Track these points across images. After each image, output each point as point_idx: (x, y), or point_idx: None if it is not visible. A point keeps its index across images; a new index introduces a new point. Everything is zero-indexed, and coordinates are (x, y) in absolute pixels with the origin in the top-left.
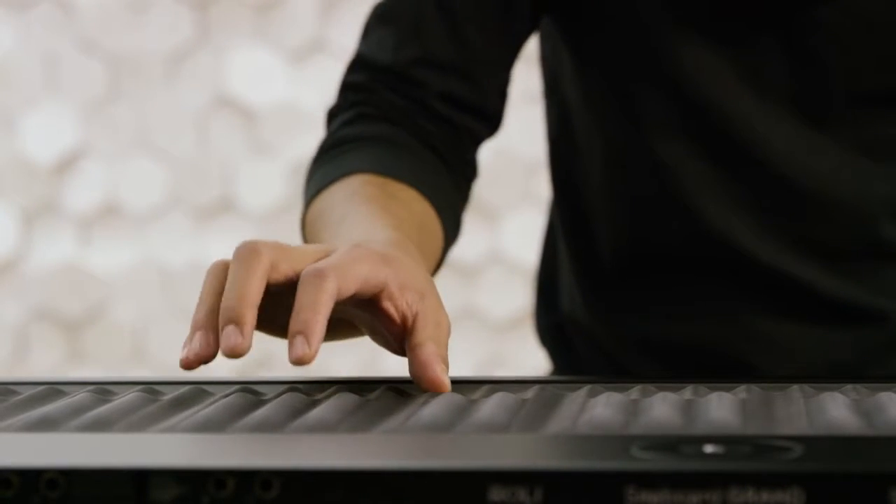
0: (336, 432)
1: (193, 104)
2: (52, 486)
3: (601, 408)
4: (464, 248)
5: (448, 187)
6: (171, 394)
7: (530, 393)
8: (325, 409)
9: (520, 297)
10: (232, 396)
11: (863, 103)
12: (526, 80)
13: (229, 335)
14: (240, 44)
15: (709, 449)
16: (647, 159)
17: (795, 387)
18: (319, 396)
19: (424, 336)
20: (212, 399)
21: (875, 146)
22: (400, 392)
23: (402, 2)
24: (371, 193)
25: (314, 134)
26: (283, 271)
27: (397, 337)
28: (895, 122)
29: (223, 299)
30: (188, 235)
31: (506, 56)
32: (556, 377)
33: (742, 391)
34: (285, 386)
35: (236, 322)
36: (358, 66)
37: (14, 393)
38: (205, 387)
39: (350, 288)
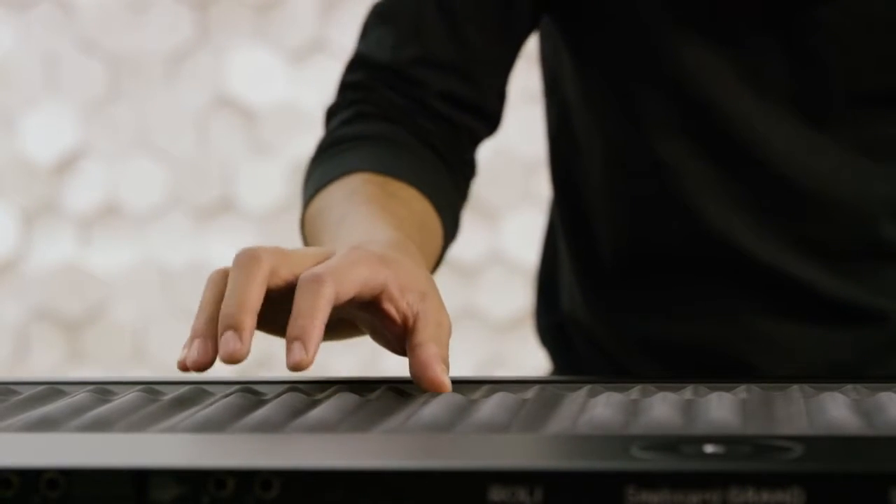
0: (336, 432)
1: (193, 104)
2: (52, 486)
3: (601, 408)
4: (464, 248)
5: (447, 186)
6: (171, 394)
7: (530, 393)
8: (325, 409)
9: (520, 297)
10: (232, 396)
11: (863, 103)
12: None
13: (228, 341)
14: (240, 44)
15: (709, 449)
16: (647, 159)
17: (795, 387)
18: (319, 396)
19: (425, 336)
20: (212, 399)
21: (875, 146)
22: (400, 392)
23: (402, 1)
24: (371, 192)
25: (314, 134)
26: (284, 276)
27: (398, 337)
28: (895, 122)
29: (223, 305)
30: (188, 235)
31: (505, 55)
32: (556, 377)
33: (742, 391)
34: (285, 386)
35: (235, 328)
36: (357, 64)
37: (14, 393)
38: (205, 387)
39: (348, 292)
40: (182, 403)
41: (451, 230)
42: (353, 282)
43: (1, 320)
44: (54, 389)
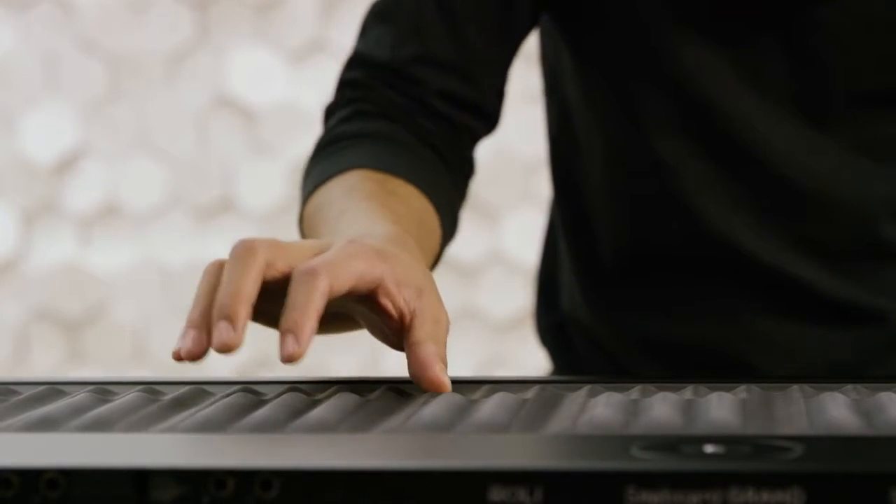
0: (336, 432)
1: (193, 104)
2: (52, 486)
3: (601, 408)
4: (464, 248)
5: (446, 185)
6: (171, 394)
7: (530, 393)
8: (325, 409)
9: (520, 297)
10: (232, 396)
11: (863, 103)
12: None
13: (221, 331)
14: (240, 44)
15: (709, 449)
16: (647, 158)
17: (795, 387)
18: (319, 396)
19: (422, 334)
20: (212, 399)
21: (875, 146)
22: (400, 392)
23: (401, 0)
24: (370, 189)
25: (314, 134)
26: (280, 268)
27: (396, 332)
28: (895, 122)
29: (217, 296)
30: (188, 235)
31: (505, 54)
32: (556, 377)
33: (742, 391)
34: (285, 386)
35: (229, 318)
36: (356, 63)
37: (14, 393)
38: (205, 387)
39: (343, 285)
40: (182, 403)
41: (449, 228)
42: (348, 275)
43: (1, 320)
44: (54, 389)
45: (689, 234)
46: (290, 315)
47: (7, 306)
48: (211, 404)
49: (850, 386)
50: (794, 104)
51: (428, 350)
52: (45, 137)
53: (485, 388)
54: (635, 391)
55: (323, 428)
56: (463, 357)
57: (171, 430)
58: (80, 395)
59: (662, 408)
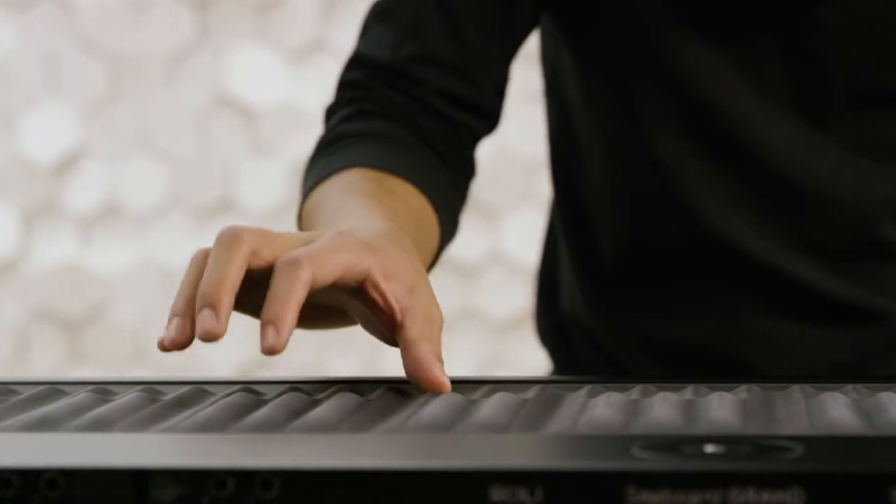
0: (336, 432)
1: (193, 104)
2: (52, 486)
3: (601, 408)
4: (464, 248)
5: (446, 185)
6: (171, 394)
7: (530, 393)
8: (325, 409)
9: (520, 297)
10: (232, 396)
11: (863, 103)
12: (526, 79)
13: (204, 319)
14: (240, 44)
15: (709, 449)
16: (647, 158)
17: (796, 387)
18: (319, 396)
19: (415, 333)
20: (212, 399)
21: (875, 146)
22: (400, 392)
23: (401, 0)
24: (368, 187)
25: (314, 134)
26: (265, 257)
27: (388, 327)
28: (895, 122)
29: (201, 283)
30: (188, 235)
31: (505, 54)
32: (556, 377)
33: (742, 391)
34: (285, 386)
35: (212, 306)
36: (356, 63)
37: (14, 393)
38: (205, 387)
39: (327, 276)
40: (182, 403)
41: (448, 229)
42: (333, 266)
43: (1, 320)
44: (54, 389)
45: (689, 234)
46: (270, 306)
47: (7, 306)
48: (211, 404)
49: (850, 386)
50: (794, 104)
51: (423, 350)
52: (45, 137)
53: (485, 388)
54: (635, 391)
55: (323, 428)
56: (463, 357)
57: (171, 430)
58: (80, 395)
59: (663, 408)
